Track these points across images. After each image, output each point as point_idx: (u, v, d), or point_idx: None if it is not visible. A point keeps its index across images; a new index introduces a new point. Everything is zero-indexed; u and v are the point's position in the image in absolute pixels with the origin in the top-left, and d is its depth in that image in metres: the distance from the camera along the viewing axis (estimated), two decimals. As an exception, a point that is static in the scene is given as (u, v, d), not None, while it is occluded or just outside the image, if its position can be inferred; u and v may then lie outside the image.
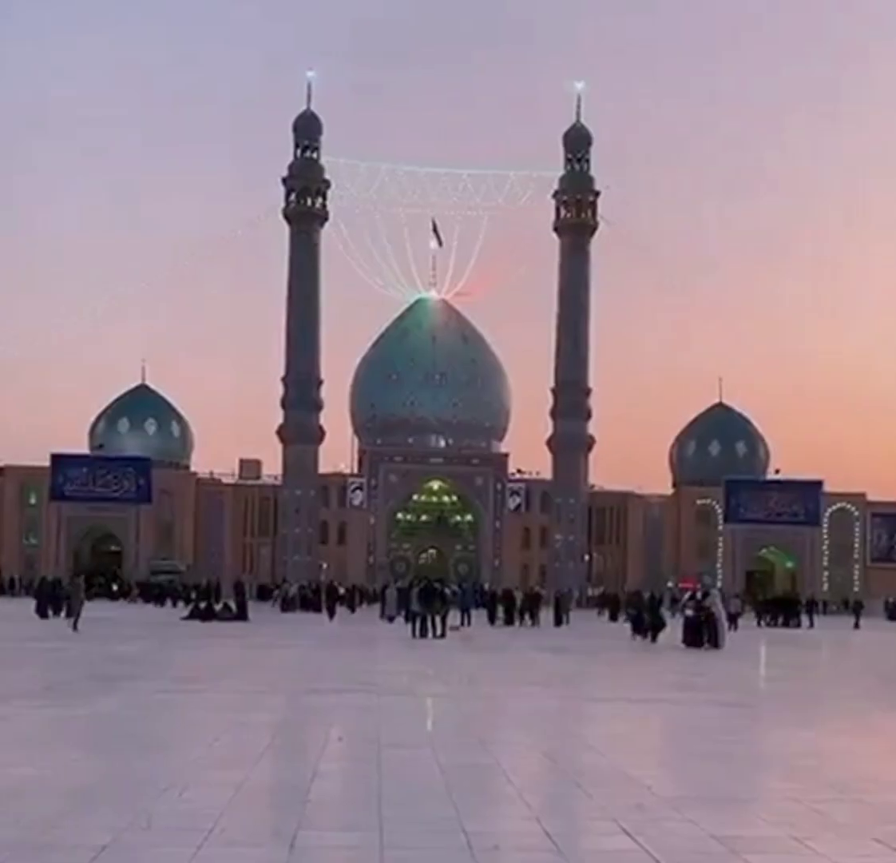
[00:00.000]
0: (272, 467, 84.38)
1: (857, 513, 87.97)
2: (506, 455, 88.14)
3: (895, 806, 8.08)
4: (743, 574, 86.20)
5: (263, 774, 9.16)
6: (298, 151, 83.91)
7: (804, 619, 46.97)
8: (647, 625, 31.12)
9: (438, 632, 30.03)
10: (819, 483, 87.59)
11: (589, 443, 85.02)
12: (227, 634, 30.51)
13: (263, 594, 60.99)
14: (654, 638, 30.25)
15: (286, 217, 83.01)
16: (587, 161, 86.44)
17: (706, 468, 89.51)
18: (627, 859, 6.29)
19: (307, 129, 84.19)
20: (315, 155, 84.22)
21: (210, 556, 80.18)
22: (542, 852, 6.41)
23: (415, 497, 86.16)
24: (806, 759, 10.53)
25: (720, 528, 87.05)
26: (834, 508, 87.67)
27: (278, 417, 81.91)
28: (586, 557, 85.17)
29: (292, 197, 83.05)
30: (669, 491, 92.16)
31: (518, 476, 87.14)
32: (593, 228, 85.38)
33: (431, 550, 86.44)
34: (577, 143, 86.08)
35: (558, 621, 40.55)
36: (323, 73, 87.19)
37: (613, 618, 46.08)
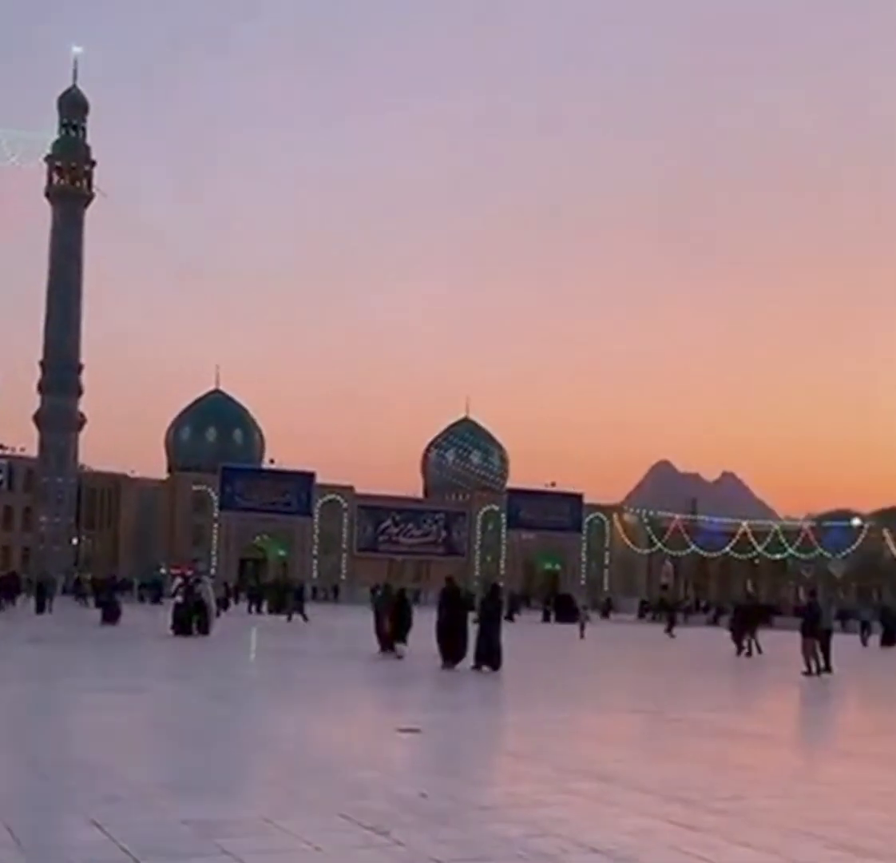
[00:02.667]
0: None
1: (345, 504, 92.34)
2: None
3: (362, 782, 8.50)
4: (237, 561, 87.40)
5: None
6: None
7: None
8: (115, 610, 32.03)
9: None
10: (311, 475, 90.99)
11: (79, 421, 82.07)
12: None
13: None
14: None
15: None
16: (83, 128, 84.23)
17: (202, 454, 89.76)
18: (94, 851, 6.06)
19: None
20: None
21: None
22: (1, 849, 6.02)
23: None
24: (285, 742, 10.80)
25: (216, 515, 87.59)
26: (324, 499, 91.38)
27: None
28: (74, 541, 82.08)
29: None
30: (164, 475, 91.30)
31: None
32: (88, 199, 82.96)
33: None
34: (73, 108, 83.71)
35: (40, 608, 38.76)
36: None
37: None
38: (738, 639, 28.54)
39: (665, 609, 62.28)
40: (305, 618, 39.73)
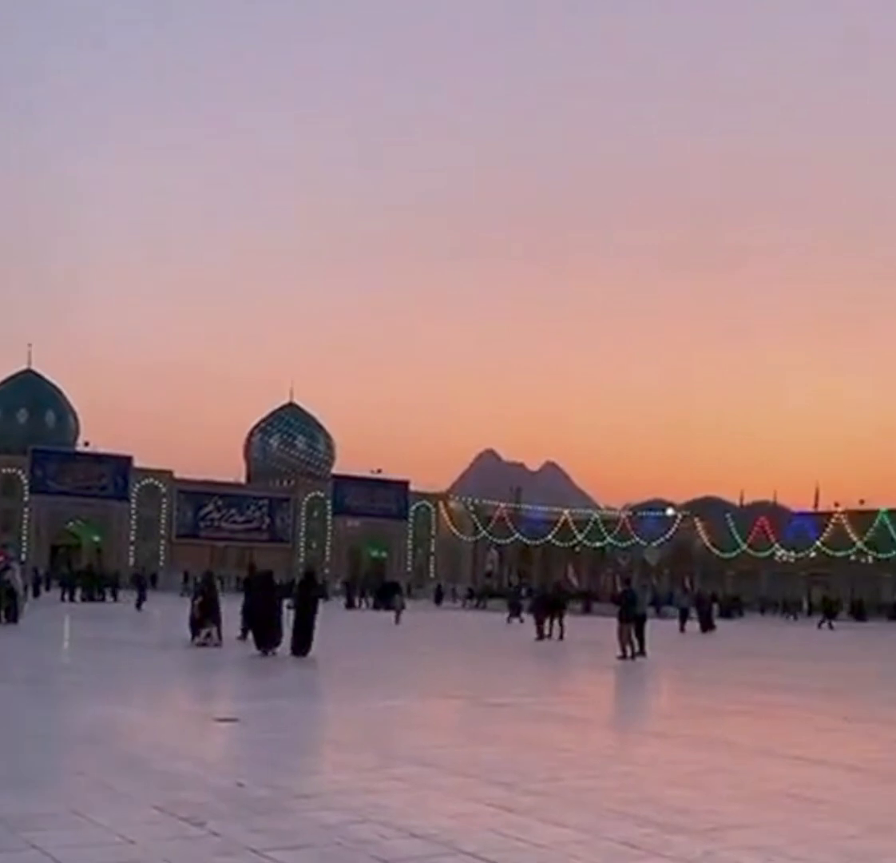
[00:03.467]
0: None
1: (164, 489, 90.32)
2: None
3: (178, 774, 8.31)
4: (48, 547, 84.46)
5: None
6: None
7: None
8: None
9: None
10: (128, 458, 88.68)
11: None
12: None
13: None
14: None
15: None
16: None
17: (13, 436, 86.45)
18: None
19: None
20: None
21: None
22: None
23: None
24: (97, 733, 10.47)
25: (26, 499, 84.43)
26: (143, 483, 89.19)
27: None
28: None
29: None
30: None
31: None
32: None
33: None
34: None
35: None
36: None
37: None
38: (539, 624, 29.43)
39: (490, 596, 63.68)
40: (139, 607, 40.47)
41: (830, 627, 48.10)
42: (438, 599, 65.90)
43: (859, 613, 62.05)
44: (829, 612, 50.91)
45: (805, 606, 72.11)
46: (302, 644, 19.86)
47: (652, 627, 25.45)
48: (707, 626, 37.71)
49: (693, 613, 39.18)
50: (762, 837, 6.80)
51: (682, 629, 37.37)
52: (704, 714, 14.40)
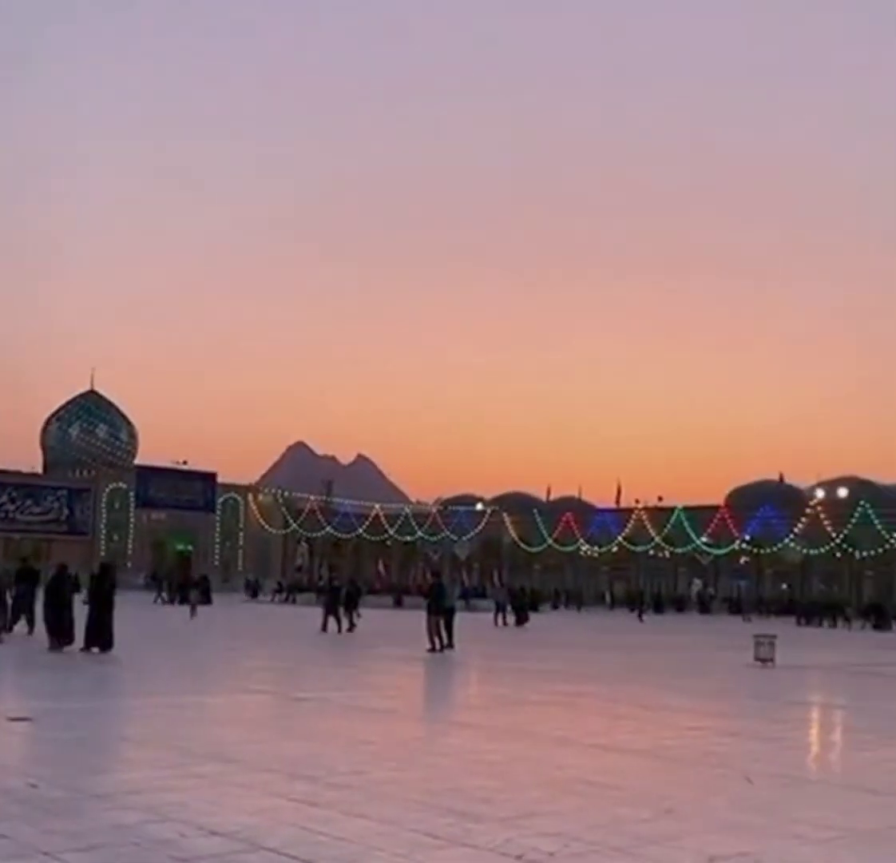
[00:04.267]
0: None
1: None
2: None
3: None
4: None
5: None
6: None
7: None
8: None
9: None
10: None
11: None
12: None
13: None
14: None
15: None
16: None
17: None
18: None
19: None
20: None
21: None
22: None
23: None
24: None
25: None
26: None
27: None
28: None
29: None
30: None
31: None
32: None
33: None
34: None
35: None
36: None
37: None
38: (326, 617, 29.72)
39: (300, 590, 63.11)
40: None
41: (640, 619, 49.90)
42: (254, 593, 65.29)
43: (658, 605, 64.43)
44: (639, 605, 52.80)
45: (608, 599, 74.52)
46: (96, 639, 19.33)
47: (468, 620, 25.80)
48: (522, 619, 38.29)
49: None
50: (560, 823, 6.95)
51: (495, 623, 37.82)
52: (509, 705, 14.66)
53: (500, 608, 39.02)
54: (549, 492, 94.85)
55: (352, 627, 29.67)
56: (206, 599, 50.62)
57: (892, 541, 70.67)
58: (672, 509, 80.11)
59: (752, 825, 7.14)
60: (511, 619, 38.11)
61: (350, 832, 6.51)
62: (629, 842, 6.51)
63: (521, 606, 39.20)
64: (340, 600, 30.44)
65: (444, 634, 23.45)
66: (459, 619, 25.16)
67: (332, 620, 29.57)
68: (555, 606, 65.51)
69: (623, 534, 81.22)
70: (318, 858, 5.94)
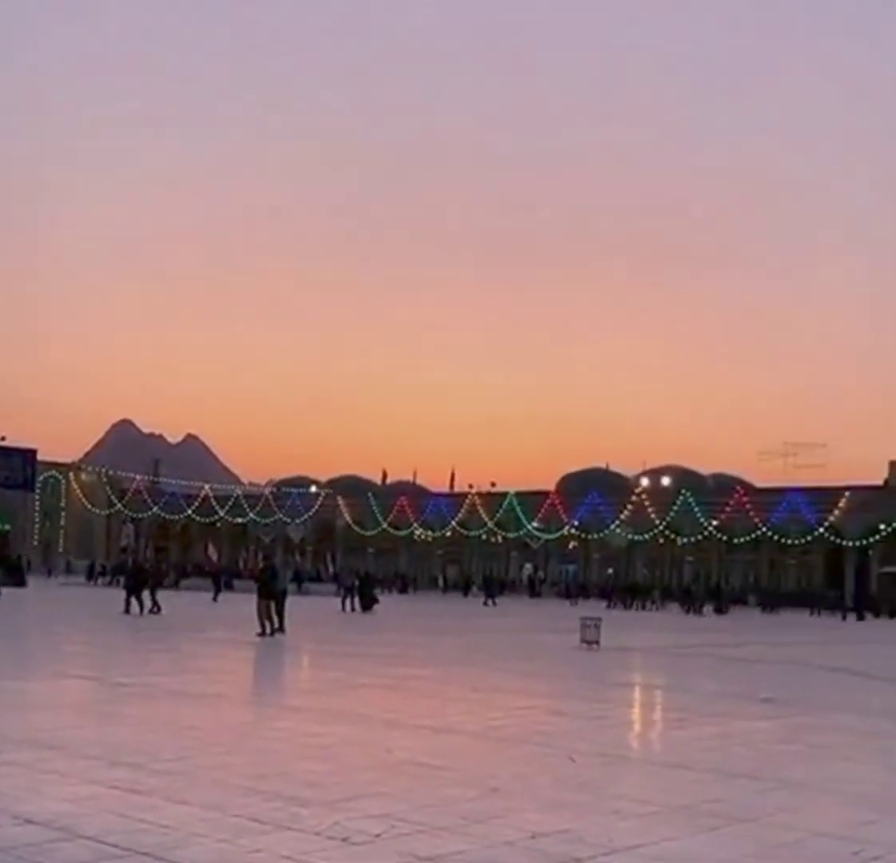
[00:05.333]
0: None
1: None
2: None
3: None
4: None
5: None
6: None
7: None
8: None
9: None
10: None
11: None
12: None
13: None
14: None
15: None
16: None
17: None
18: None
19: None
20: None
21: None
22: None
23: None
24: None
25: None
26: None
27: None
28: None
29: None
30: None
31: None
32: None
33: None
34: None
35: None
36: None
37: None
38: (128, 598, 29.38)
39: (124, 573, 61.59)
40: None
41: (493, 603, 50.23)
42: (91, 575, 63.94)
43: (490, 588, 65.25)
44: (491, 589, 53.35)
45: (441, 583, 75.23)
46: None
47: (310, 604, 25.58)
48: (368, 604, 37.68)
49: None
50: (388, 804, 6.96)
51: (343, 608, 37.13)
52: (341, 688, 14.63)
53: (348, 593, 38.37)
54: (384, 476, 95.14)
55: (156, 609, 29.14)
56: (19, 581, 48.92)
57: (711, 528, 73.51)
58: (505, 495, 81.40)
59: (574, 803, 7.30)
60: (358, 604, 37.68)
61: (172, 819, 6.37)
62: (455, 821, 6.56)
63: (367, 591, 38.67)
64: (146, 583, 30.16)
65: (275, 617, 23.22)
66: (304, 603, 24.98)
67: (135, 603, 29.08)
68: (388, 590, 65.73)
69: (457, 518, 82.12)
70: (139, 845, 5.78)
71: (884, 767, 9.92)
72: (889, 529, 68.41)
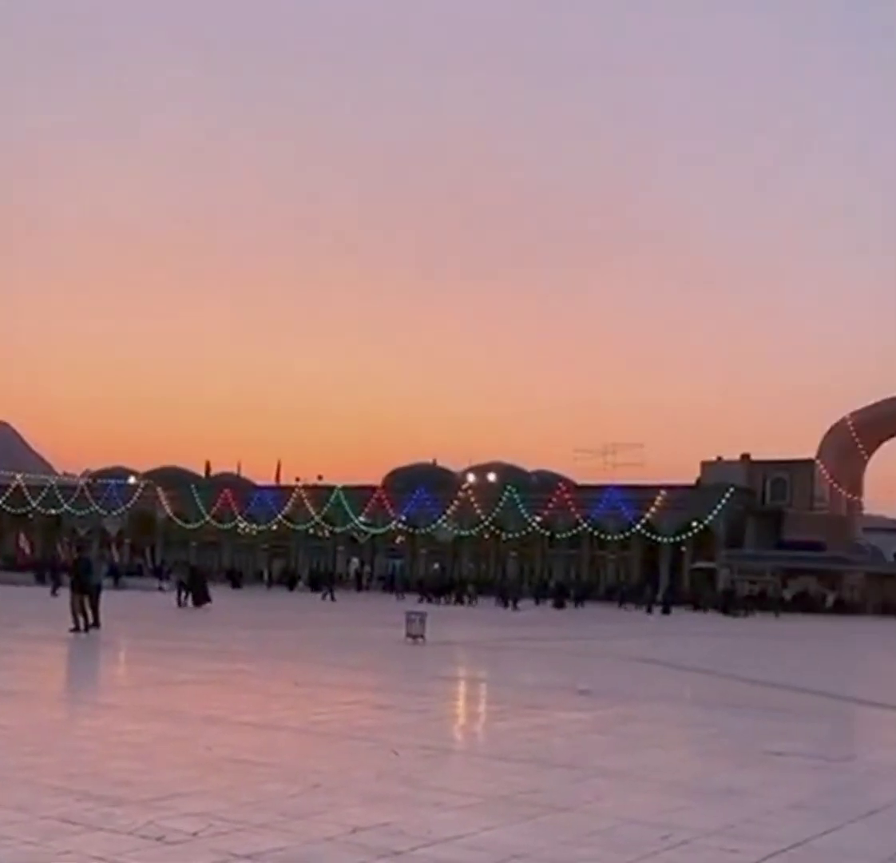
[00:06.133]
0: None
1: None
2: None
3: None
4: None
5: None
6: None
7: None
8: None
9: None
10: None
11: None
12: None
13: None
14: None
15: None
16: None
17: None
18: None
19: None
20: None
21: None
22: None
23: None
24: None
25: None
26: None
27: None
28: None
29: None
30: None
31: None
32: None
33: None
34: None
35: None
36: None
37: None
38: None
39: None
40: None
41: (332, 598, 49.24)
42: None
43: (315, 583, 64.89)
44: (328, 585, 52.54)
45: (266, 577, 74.49)
46: None
47: (134, 599, 24.88)
48: (199, 599, 36.57)
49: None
50: (206, 802, 6.81)
51: (180, 603, 36.06)
52: (158, 684, 14.29)
53: (182, 588, 37.21)
54: (208, 467, 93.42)
55: None
56: None
57: (534, 524, 75.03)
58: (332, 489, 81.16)
59: (395, 796, 7.31)
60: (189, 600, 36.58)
61: (-25, 823, 6.08)
62: (275, 818, 6.48)
63: (198, 586, 37.52)
64: None
65: (89, 612, 22.50)
66: (121, 598, 24.30)
67: None
68: (217, 584, 64.52)
69: (283, 512, 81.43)
70: (-62, 851, 5.50)
71: (694, 754, 10.29)
72: (700, 527, 71.27)
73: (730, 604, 56.10)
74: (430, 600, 51.18)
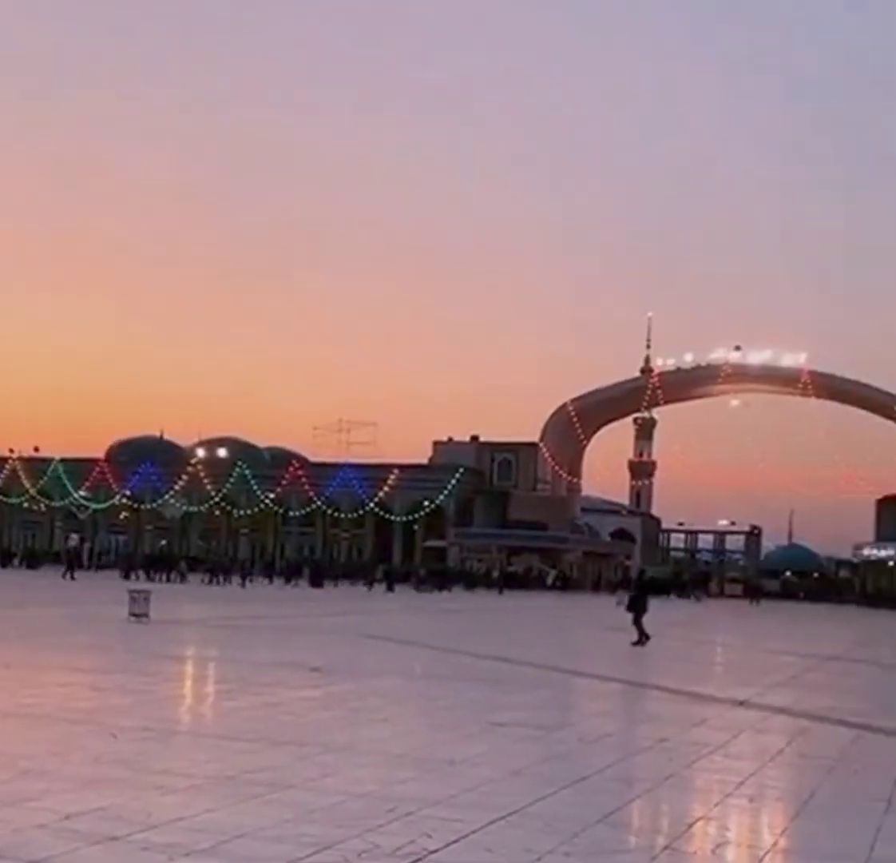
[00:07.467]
0: None
1: None
2: None
3: None
4: None
5: None
6: None
7: None
8: None
9: None
10: None
11: None
12: None
13: None
14: None
15: None
16: None
17: None
18: None
19: None
20: None
21: None
22: None
23: None
24: None
25: None
26: None
27: None
28: None
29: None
30: None
31: None
32: None
33: None
34: None
35: None
36: None
37: None
38: None
39: None
40: None
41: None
42: None
43: (31, 561, 62.15)
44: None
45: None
46: None
47: None
48: None
49: None
50: None
51: None
52: None
53: None
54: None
55: None
56: None
57: (267, 501, 74.43)
58: (49, 461, 77.59)
59: (113, 779, 7.01)
60: None
61: None
62: (-19, 808, 6.07)
63: None
64: None
65: None
66: None
67: None
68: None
69: (-2, 485, 77.29)
70: None
71: (421, 726, 10.45)
72: (432, 506, 72.80)
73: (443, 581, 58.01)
74: (135, 577, 49.61)
